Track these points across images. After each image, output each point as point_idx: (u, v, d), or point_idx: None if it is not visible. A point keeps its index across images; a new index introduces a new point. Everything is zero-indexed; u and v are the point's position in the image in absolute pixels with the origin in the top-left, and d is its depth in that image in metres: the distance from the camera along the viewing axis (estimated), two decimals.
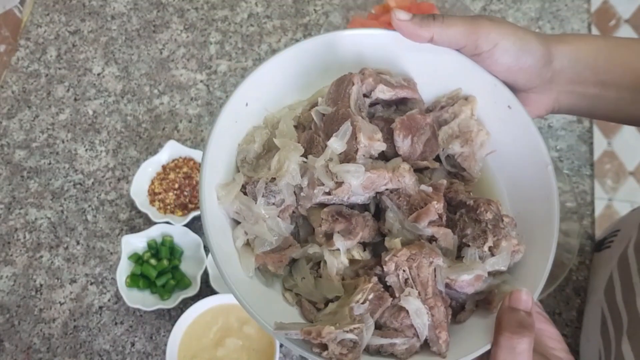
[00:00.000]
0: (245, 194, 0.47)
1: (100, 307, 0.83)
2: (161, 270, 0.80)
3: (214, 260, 0.43)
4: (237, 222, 0.47)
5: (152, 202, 0.86)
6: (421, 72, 0.51)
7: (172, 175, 0.86)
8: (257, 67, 0.48)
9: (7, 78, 0.99)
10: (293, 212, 0.47)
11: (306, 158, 0.45)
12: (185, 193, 0.85)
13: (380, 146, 0.46)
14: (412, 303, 0.43)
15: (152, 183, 0.87)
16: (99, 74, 0.99)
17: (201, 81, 0.97)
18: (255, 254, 0.46)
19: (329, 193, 0.45)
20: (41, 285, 0.84)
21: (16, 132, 0.95)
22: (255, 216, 0.46)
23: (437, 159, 0.51)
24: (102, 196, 0.90)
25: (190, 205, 0.85)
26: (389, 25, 0.97)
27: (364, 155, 0.45)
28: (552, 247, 0.45)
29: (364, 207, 0.48)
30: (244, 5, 1.03)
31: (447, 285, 0.45)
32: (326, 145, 0.45)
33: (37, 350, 0.80)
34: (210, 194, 0.46)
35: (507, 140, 0.49)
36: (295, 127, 0.50)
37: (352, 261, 0.47)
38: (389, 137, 0.48)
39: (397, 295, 0.44)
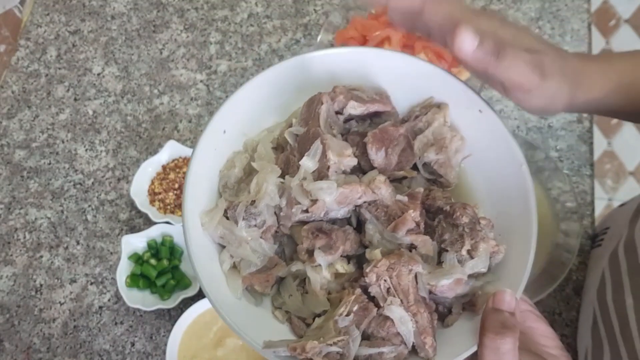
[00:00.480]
0: (228, 218, 0.48)
1: (100, 307, 0.83)
2: (161, 270, 0.80)
3: (201, 285, 0.45)
4: (223, 246, 0.49)
5: (152, 202, 0.86)
6: (393, 83, 0.52)
7: (172, 175, 0.86)
8: (231, 95, 0.49)
9: (7, 78, 0.99)
10: (276, 231, 0.48)
11: (283, 179, 0.47)
12: None
13: (351, 161, 0.47)
14: (395, 311, 0.44)
15: (152, 183, 0.87)
16: (99, 74, 0.99)
17: (201, 81, 0.97)
18: (242, 275, 0.47)
19: (306, 211, 0.46)
20: (41, 285, 0.84)
21: (16, 132, 0.95)
22: (238, 239, 0.47)
23: (415, 167, 0.51)
24: (102, 196, 0.90)
25: None
26: (388, 26, 0.97)
27: (335, 172, 0.47)
28: (531, 244, 0.46)
29: (346, 221, 0.49)
30: (244, 5, 1.03)
31: (429, 291, 0.46)
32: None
33: (37, 350, 0.80)
34: (194, 223, 0.47)
35: (482, 144, 0.50)
36: (275, 148, 0.51)
37: (337, 275, 0.48)
38: (364, 152, 0.49)
39: (381, 304, 0.45)
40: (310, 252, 0.47)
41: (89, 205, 0.89)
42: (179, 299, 0.78)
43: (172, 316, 0.81)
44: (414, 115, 0.52)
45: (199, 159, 0.48)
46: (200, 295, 0.78)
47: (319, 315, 0.47)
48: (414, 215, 0.46)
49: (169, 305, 0.78)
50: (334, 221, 0.48)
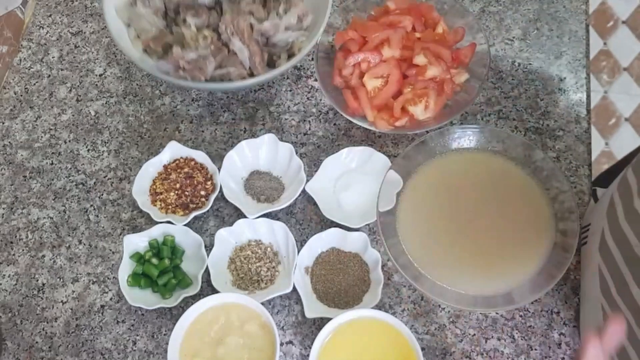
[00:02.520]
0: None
1: (102, 306, 0.83)
2: (162, 269, 0.81)
3: (115, 41, 0.84)
4: (129, 26, 0.86)
5: (153, 202, 0.86)
6: None
7: (173, 176, 0.87)
8: None
9: (9, 79, 1.00)
10: (165, 13, 0.86)
11: None
12: (187, 193, 0.86)
13: None
14: (236, 44, 0.81)
15: (154, 183, 0.88)
16: (100, 75, 1.00)
17: None
18: (142, 40, 0.85)
19: None
20: (43, 284, 0.85)
21: (18, 132, 0.96)
22: (138, 15, 0.84)
23: None
24: (104, 196, 0.90)
25: (191, 205, 0.86)
26: (387, 27, 0.97)
27: None
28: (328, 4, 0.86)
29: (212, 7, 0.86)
30: None
31: (263, 39, 0.84)
32: None
33: (39, 349, 0.81)
34: (111, 12, 0.85)
35: None
36: None
37: (204, 37, 0.82)
38: None
39: (230, 48, 0.81)
40: (184, 20, 0.83)
41: (91, 205, 0.90)
42: (180, 297, 0.78)
43: (173, 315, 0.82)
44: None
45: None
46: (201, 294, 0.78)
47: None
48: None
49: (170, 304, 0.79)
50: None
